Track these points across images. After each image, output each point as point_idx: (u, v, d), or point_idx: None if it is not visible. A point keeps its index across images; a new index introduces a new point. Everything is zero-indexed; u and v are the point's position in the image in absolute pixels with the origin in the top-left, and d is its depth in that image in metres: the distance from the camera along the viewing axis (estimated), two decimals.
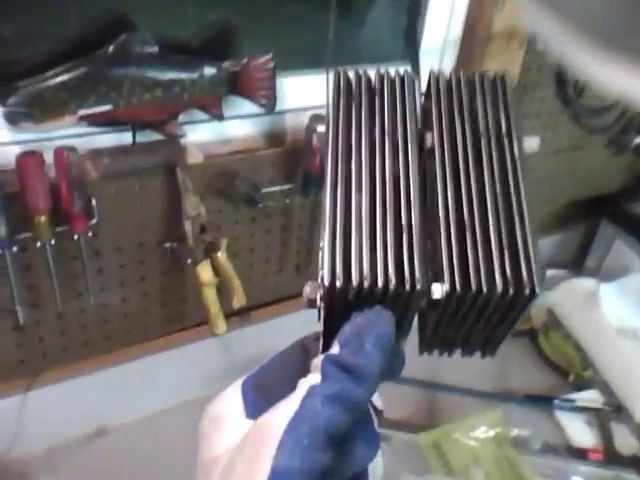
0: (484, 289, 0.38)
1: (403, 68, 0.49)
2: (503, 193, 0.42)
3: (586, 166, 1.40)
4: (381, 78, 0.48)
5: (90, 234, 0.83)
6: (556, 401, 1.10)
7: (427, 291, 0.38)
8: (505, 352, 1.27)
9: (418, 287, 0.37)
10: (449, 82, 0.48)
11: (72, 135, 0.80)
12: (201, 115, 0.87)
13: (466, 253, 0.40)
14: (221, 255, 0.94)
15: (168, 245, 0.93)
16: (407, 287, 0.38)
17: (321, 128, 0.91)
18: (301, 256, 1.10)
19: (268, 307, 1.11)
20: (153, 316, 1.00)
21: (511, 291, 0.38)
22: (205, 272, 0.92)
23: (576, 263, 1.49)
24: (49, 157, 0.76)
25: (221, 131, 0.92)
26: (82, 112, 0.77)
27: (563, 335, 1.26)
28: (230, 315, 1.02)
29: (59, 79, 0.75)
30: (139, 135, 0.84)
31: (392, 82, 0.48)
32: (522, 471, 0.96)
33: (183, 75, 0.81)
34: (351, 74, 0.48)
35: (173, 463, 0.97)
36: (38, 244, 0.78)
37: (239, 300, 0.98)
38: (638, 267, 1.37)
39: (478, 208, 0.42)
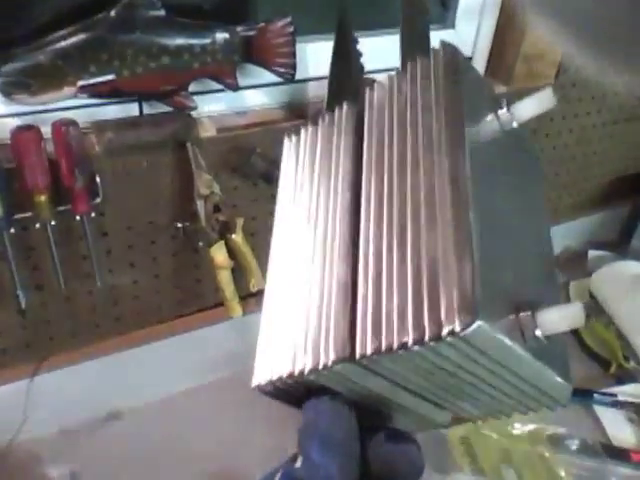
0: (394, 345, 0.33)
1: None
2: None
3: (636, 140, 1.29)
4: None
5: (94, 214, 0.78)
6: (596, 395, 1.03)
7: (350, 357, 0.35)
8: None
9: (333, 358, 0.36)
10: (381, 95, 0.45)
11: (72, 107, 0.75)
12: (214, 85, 0.80)
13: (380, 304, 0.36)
14: (236, 236, 0.88)
15: (180, 225, 0.87)
16: (321, 366, 0.36)
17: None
18: None
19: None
20: (166, 298, 0.95)
21: (427, 337, 0.32)
22: (219, 254, 0.86)
23: (621, 244, 1.39)
24: (47, 131, 0.71)
25: (236, 102, 0.86)
26: (82, 83, 0.71)
27: (605, 322, 1.17)
28: (247, 297, 0.97)
29: (56, 47, 0.68)
30: (146, 107, 0.78)
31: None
32: (557, 472, 0.89)
33: (193, 41, 0.74)
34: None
35: (186, 447, 0.93)
36: (38, 225, 0.73)
37: (257, 283, 0.92)
38: None
39: (398, 238, 0.37)
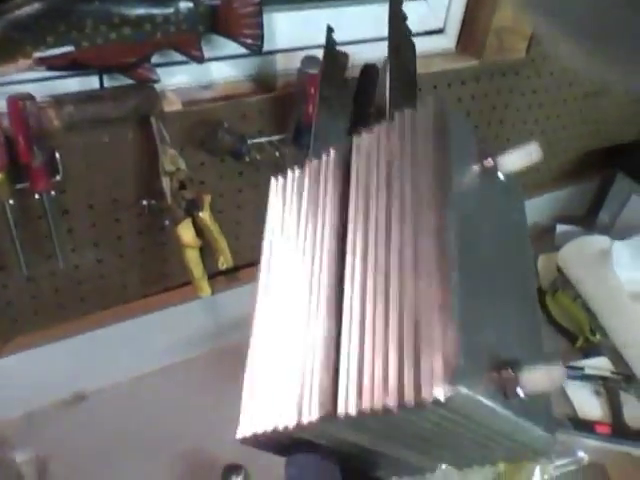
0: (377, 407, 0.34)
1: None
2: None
3: (605, 114, 1.29)
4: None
5: (54, 191, 0.75)
6: None
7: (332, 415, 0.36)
8: None
9: (316, 416, 0.36)
10: (368, 143, 0.46)
11: (29, 80, 0.71)
12: (177, 57, 0.77)
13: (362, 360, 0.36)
14: (204, 214, 0.85)
15: (145, 203, 0.84)
16: (304, 423, 0.37)
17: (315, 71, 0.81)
18: None
19: (257, 266, 1.04)
20: (132, 277, 0.93)
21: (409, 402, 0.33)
22: (186, 233, 0.84)
23: (588, 218, 1.40)
24: (3, 105, 0.67)
25: (201, 75, 0.83)
26: (39, 54, 0.67)
27: (572, 296, 1.19)
28: (216, 275, 0.95)
29: (10, 16, 0.65)
30: (107, 80, 0.75)
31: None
32: None
33: (155, 10, 0.71)
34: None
35: (155, 428, 0.92)
36: None
37: (225, 261, 0.90)
38: None
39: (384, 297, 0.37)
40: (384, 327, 0.36)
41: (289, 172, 0.52)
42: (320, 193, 0.47)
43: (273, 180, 0.53)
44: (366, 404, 0.34)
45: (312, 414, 0.37)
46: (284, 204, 0.50)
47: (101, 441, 0.90)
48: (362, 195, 0.43)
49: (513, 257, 0.43)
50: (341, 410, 0.35)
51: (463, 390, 0.30)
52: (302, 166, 0.51)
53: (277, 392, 0.40)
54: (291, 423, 0.38)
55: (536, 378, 0.32)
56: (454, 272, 0.34)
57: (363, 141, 0.46)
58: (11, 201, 0.71)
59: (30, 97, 0.68)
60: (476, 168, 0.41)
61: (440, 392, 0.31)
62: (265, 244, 0.50)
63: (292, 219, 0.48)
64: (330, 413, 0.36)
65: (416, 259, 0.36)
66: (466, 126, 0.43)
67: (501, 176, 0.42)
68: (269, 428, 0.39)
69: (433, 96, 0.43)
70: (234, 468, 0.85)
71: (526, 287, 0.43)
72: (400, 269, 0.37)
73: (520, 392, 0.32)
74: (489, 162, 0.41)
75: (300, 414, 0.37)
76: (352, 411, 0.35)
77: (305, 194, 0.49)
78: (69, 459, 0.86)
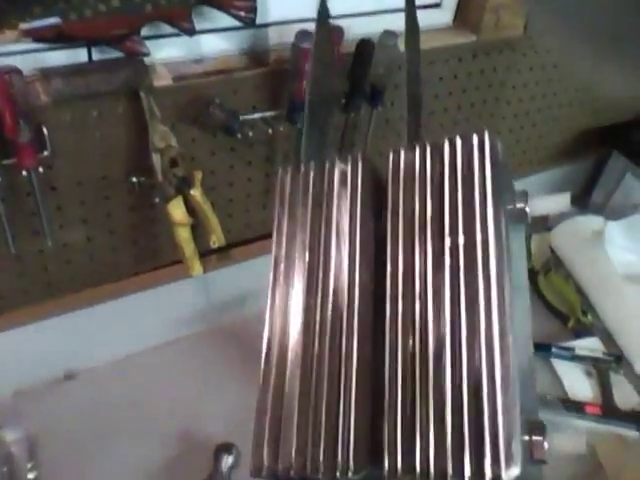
0: (432, 474, 0.32)
1: None
2: (468, 345, 0.34)
3: (601, 93, 1.28)
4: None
5: (42, 168, 0.73)
6: (554, 349, 1.04)
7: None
8: None
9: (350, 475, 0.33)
10: (411, 164, 0.41)
11: (15, 52, 0.69)
12: (168, 29, 0.74)
13: (414, 425, 0.33)
14: (195, 191, 0.84)
15: (135, 180, 0.83)
16: (338, 475, 0.34)
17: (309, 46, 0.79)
18: None
19: (250, 245, 1.03)
20: (123, 255, 0.91)
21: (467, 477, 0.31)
22: (177, 211, 0.82)
23: (582, 198, 1.40)
24: None
25: (192, 48, 0.80)
26: (25, 26, 0.65)
27: (564, 277, 1.19)
28: (208, 253, 0.94)
29: None
30: (95, 53, 0.73)
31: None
32: None
33: None
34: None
35: (144, 407, 0.92)
36: None
37: (217, 240, 0.89)
38: None
39: (434, 364, 0.34)
40: (436, 386, 0.34)
41: (302, 166, 0.46)
42: (342, 202, 0.42)
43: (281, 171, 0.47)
44: (418, 466, 0.33)
45: (349, 465, 0.34)
46: (294, 205, 0.44)
47: (92, 420, 0.90)
48: (404, 221, 0.39)
49: (521, 303, 0.41)
50: (388, 466, 0.33)
51: (520, 470, 0.30)
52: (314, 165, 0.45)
53: (303, 431, 0.36)
54: (321, 470, 0.35)
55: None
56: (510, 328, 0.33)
57: (403, 158, 0.42)
58: None
59: (17, 71, 0.66)
60: (512, 209, 0.40)
61: (501, 471, 0.30)
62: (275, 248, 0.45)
63: (306, 223, 0.43)
64: (369, 467, 0.34)
65: (473, 311, 0.35)
66: (508, 168, 0.41)
67: (529, 219, 0.41)
68: (295, 469, 0.35)
69: (487, 132, 0.40)
70: (226, 447, 0.85)
71: (527, 325, 0.42)
72: (454, 319, 0.35)
73: (544, 456, 0.32)
74: (521, 205, 0.40)
75: (334, 463, 0.35)
76: (400, 470, 0.33)
77: (325, 198, 0.43)
78: (60, 438, 0.86)
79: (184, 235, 0.85)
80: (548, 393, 0.96)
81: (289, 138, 0.92)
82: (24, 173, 0.71)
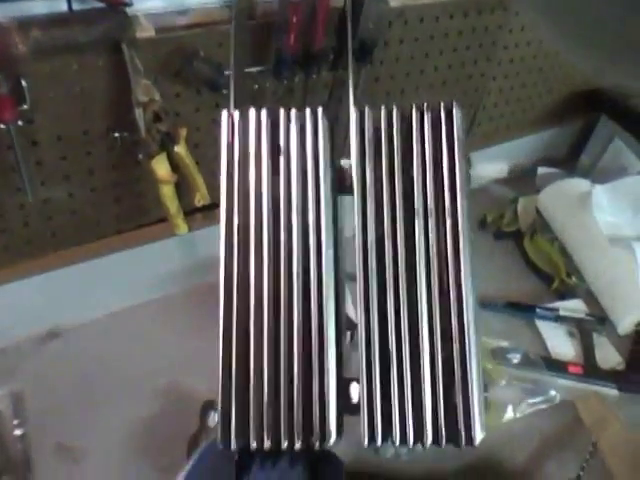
0: (410, 441, 0.36)
1: None
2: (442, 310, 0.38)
3: None
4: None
5: (22, 122, 0.71)
6: (538, 310, 1.05)
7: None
8: (489, 255, 1.18)
9: (331, 441, 0.35)
10: (378, 128, 0.41)
11: None
12: None
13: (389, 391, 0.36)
14: (180, 147, 0.82)
15: (117, 135, 0.81)
16: (317, 444, 0.35)
17: None
18: None
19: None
20: (104, 213, 0.90)
21: (443, 443, 0.36)
22: (161, 167, 0.81)
23: (570, 161, 1.39)
24: None
25: None
26: None
27: (550, 239, 1.19)
28: (193, 212, 0.93)
29: None
30: (75, 2, 0.70)
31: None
32: (499, 383, 0.92)
33: None
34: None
35: (129, 365, 0.91)
36: None
37: (202, 197, 0.88)
38: (635, 168, 1.28)
39: (408, 330, 0.37)
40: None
41: (251, 111, 0.43)
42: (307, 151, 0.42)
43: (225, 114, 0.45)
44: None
45: (329, 438, 0.35)
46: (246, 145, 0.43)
47: (77, 377, 0.89)
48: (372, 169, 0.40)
49: None
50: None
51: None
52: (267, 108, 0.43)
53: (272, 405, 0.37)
54: (297, 445, 0.36)
55: None
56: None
57: (368, 119, 0.42)
58: None
59: None
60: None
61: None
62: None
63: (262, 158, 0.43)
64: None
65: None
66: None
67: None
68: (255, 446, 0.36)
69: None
70: (213, 404, 0.86)
71: None
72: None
73: None
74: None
75: (310, 437, 0.36)
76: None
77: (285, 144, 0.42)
78: (45, 394, 0.86)
79: (168, 193, 0.83)
80: (532, 352, 0.97)
81: (276, 94, 0.90)
82: (2, 126, 0.69)
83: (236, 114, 0.42)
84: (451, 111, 0.41)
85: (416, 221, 0.39)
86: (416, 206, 0.39)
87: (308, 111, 0.41)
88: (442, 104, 0.41)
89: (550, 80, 1.26)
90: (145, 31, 0.75)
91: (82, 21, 0.70)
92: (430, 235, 0.39)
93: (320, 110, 0.42)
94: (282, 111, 0.42)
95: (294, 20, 0.80)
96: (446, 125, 0.41)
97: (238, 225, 0.39)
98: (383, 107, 0.42)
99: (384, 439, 0.35)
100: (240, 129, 0.41)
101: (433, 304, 0.37)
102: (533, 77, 1.22)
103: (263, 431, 0.36)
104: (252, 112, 0.42)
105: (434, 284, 0.38)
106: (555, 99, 1.32)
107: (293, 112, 0.42)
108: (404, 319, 0.37)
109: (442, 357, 0.37)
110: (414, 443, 0.35)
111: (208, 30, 0.79)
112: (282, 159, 0.41)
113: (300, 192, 0.39)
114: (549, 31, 0.25)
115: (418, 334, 0.37)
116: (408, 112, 0.41)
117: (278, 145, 0.41)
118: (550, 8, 0.22)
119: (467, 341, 0.37)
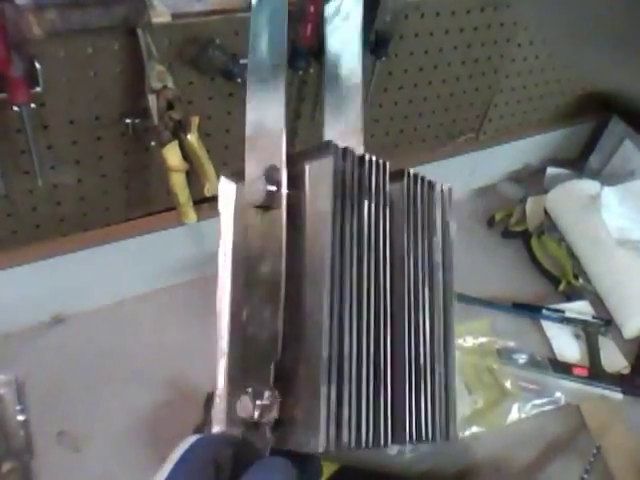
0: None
1: None
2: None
3: None
4: None
5: (34, 104, 0.70)
6: (544, 311, 1.05)
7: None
8: (496, 254, 1.17)
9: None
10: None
11: None
12: None
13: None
14: (192, 136, 0.81)
15: (129, 121, 0.80)
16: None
17: None
18: None
19: None
20: (114, 200, 0.89)
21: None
22: (173, 156, 0.80)
23: (579, 162, 1.38)
24: None
25: None
26: None
27: (557, 239, 1.18)
28: (202, 201, 0.92)
29: None
30: None
31: None
32: (504, 384, 0.92)
33: None
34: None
35: (134, 354, 0.91)
36: None
37: (212, 188, 0.87)
38: None
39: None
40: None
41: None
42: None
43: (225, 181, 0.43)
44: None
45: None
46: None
47: (81, 364, 0.89)
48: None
49: None
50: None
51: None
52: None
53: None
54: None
55: None
56: None
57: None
58: None
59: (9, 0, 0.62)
60: None
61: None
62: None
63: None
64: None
65: None
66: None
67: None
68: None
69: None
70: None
71: None
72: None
73: None
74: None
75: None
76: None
77: None
78: (48, 382, 0.85)
79: (179, 181, 0.82)
80: (537, 353, 0.97)
81: (290, 84, 0.89)
82: (15, 109, 0.68)
83: None
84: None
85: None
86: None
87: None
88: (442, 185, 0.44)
89: (563, 79, 1.25)
90: (161, 16, 0.73)
91: (99, 5, 0.69)
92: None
93: None
94: None
95: (311, 10, 0.79)
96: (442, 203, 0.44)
97: None
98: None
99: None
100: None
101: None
102: (546, 76, 1.21)
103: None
104: None
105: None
106: (567, 99, 1.31)
107: None
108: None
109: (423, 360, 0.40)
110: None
111: (225, 18, 0.78)
112: None
113: None
114: (547, 30, 0.24)
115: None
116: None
117: None
118: (549, 7, 0.22)
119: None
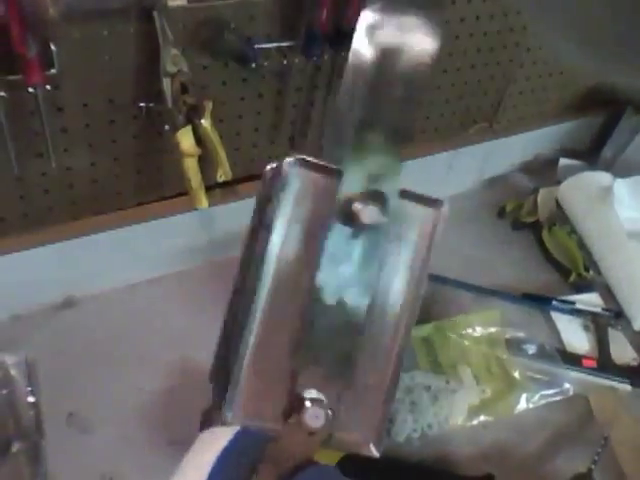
0: None
1: None
2: None
3: None
4: None
5: (49, 86, 0.70)
6: (554, 302, 1.04)
7: None
8: (506, 245, 1.17)
9: None
10: None
11: None
12: None
13: None
14: (205, 121, 0.81)
15: (143, 105, 0.80)
16: None
17: None
18: (297, 126, 0.97)
19: (256, 181, 1.00)
20: (126, 184, 0.89)
21: None
22: (186, 140, 0.80)
23: (592, 154, 1.37)
24: None
25: None
26: None
27: (568, 232, 1.18)
28: (213, 187, 0.92)
29: None
30: None
31: None
32: (512, 374, 0.92)
33: None
34: None
35: (144, 337, 0.91)
36: None
37: (224, 174, 0.87)
38: None
39: None
40: None
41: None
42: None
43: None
44: None
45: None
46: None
47: (91, 346, 0.89)
48: None
49: None
50: None
51: None
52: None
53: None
54: None
55: None
56: None
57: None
58: (2, 93, 0.66)
59: None
60: None
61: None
62: None
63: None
64: None
65: None
66: None
67: None
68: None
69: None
70: None
71: None
72: None
73: None
74: None
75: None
76: None
77: None
78: (58, 363, 0.86)
79: (191, 166, 0.82)
80: (547, 344, 0.97)
81: (304, 71, 0.89)
82: (30, 90, 0.68)
83: None
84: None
85: None
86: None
87: None
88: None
89: (577, 70, 1.24)
90: None
91: None
92: None
93: None
94: None
95: None
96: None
97: None
98: None
99: None
100: None
101: None
102: (561, 66, 1.20)
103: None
104: None
105: None
106: (581, 89, 1.30)
107: None
108: None
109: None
110: None
111: (241, 1, 0.78)
112: None
113: None
114: (545, 30, 0.23)
115: None
116: None
117: None
118: (548, 6, 0.22)
119: None
